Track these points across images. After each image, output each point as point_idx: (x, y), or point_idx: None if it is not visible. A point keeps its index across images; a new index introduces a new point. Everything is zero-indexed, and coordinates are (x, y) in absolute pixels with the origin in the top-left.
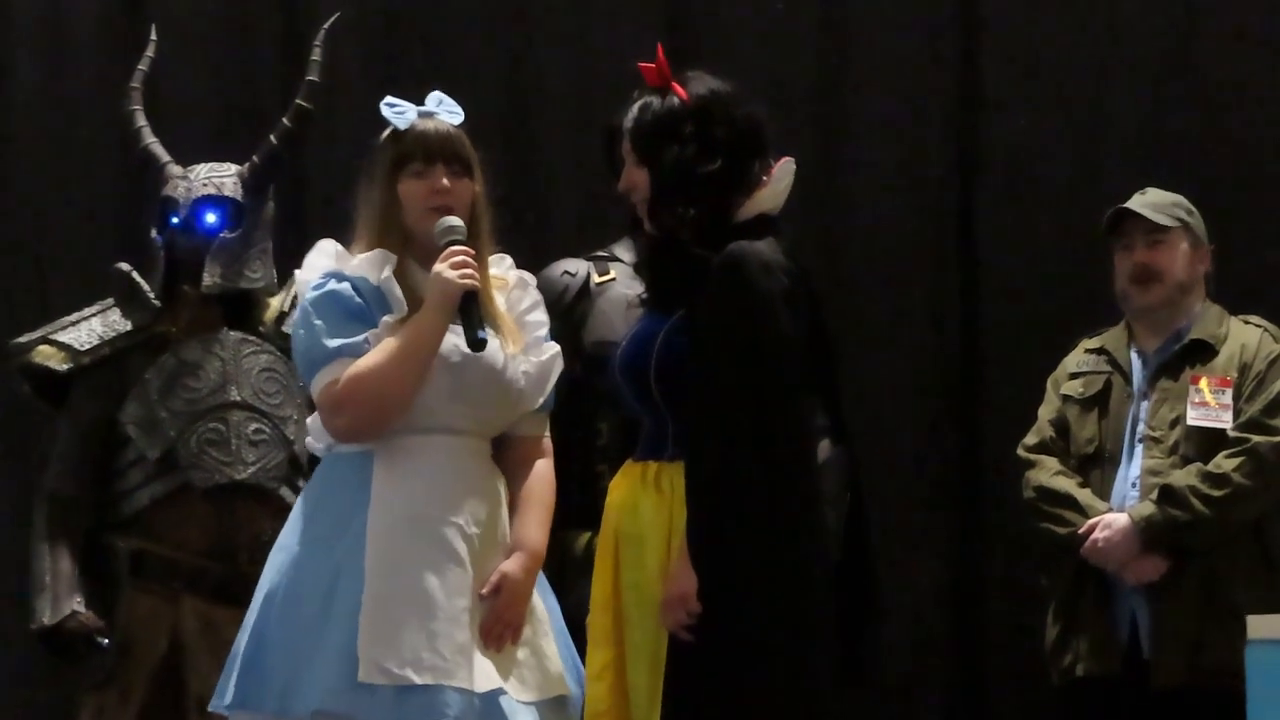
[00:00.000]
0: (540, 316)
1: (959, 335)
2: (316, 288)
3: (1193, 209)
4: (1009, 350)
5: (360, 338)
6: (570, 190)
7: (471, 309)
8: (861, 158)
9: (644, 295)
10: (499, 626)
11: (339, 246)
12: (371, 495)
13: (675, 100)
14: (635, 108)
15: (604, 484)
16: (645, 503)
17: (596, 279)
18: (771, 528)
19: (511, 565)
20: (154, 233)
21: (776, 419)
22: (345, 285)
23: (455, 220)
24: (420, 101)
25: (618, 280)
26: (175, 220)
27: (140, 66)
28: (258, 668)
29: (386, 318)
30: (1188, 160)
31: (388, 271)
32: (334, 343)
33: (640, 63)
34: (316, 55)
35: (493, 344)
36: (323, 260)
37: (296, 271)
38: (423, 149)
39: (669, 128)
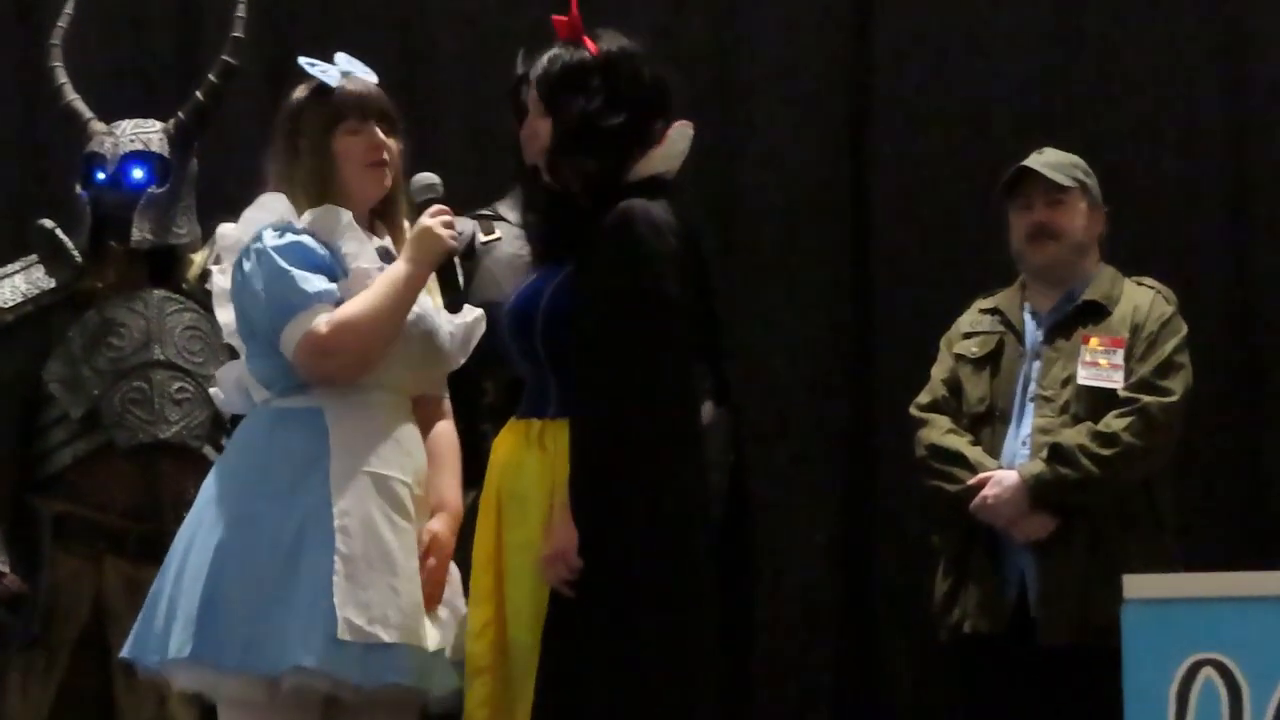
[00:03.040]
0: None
1: (849, 298)
2: (279, 235)
3: (1089, 170)
4: (899, 313)
5: (333, 286)
6: (463, 150)
7: (451, 269)
8: (754, 122)
9: (531, 250)
10: (430, 586)
11: (287, 202)
12: (330, 450)
13: (585, 53)
14: (545, 58)
15: (488, 443)
16: (529, 461)
17: (481, 238)
18: (653, 484)
19: (439, 525)
20: (78, 188)
21: (659, 377)
22: (307, 237)
23: (434, 178)
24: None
25: (503, 239)
26: (101, 176)
27: (60, 24)
28: (216, 622)
29: (361, 263)
30: (1077, 119)
31: (348, 219)
32: (312, 288)
33: (553, 15)
34: (241, 12)
35: (433, 305)
36: (270, 214)
37: (223, 226)
38: (358, 107)
39: (576, 79)
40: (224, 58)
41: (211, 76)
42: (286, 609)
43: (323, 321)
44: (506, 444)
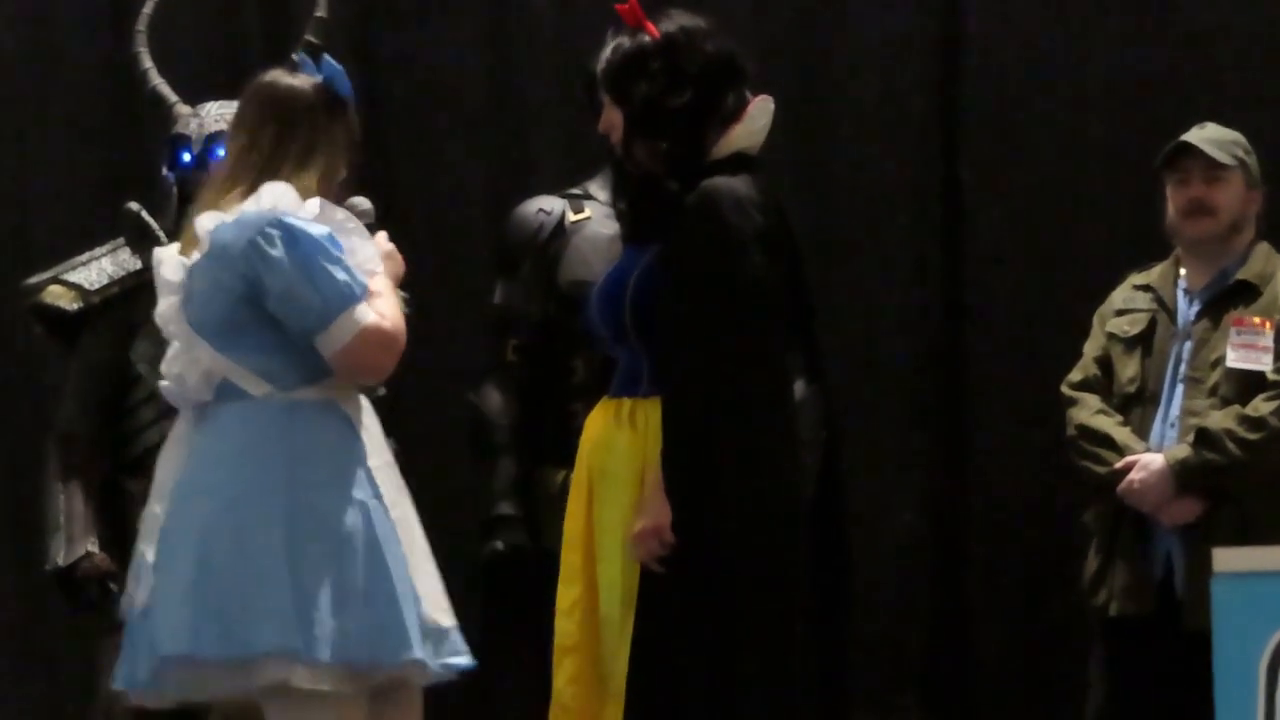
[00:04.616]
0: None
1: (940, 277)
2: (315, 224)
3: (1250, 149)
4: (991, 294)
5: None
6: (553, 127)
7: None
8: (846, 97)
9: (621, 231)
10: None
11: (295, 194)
12: (361, 443)
13: (645, 38)
14: (608, 48)
15: (578, 422)
16: (619, 439)
17: (571, 217)
18: (747, 460)
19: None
20: (164, 170)
21: (749, 355)
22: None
23: (369, 203)
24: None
25: (593, 218)
26: (187, 158)
27: (145, 9)
28: (307, 616)
29: (372, 264)
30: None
31: (344, 215)
32: (360, 282)
33: (617, 3)
34: None
35: None
36: (289, 203)
37: (203, 216)
38: (355, 137)
39: (637, 64)
40: (307, 37)
41: (294, 57)
42: (383, 601)
43: (379, 314)
44: (597, 423)
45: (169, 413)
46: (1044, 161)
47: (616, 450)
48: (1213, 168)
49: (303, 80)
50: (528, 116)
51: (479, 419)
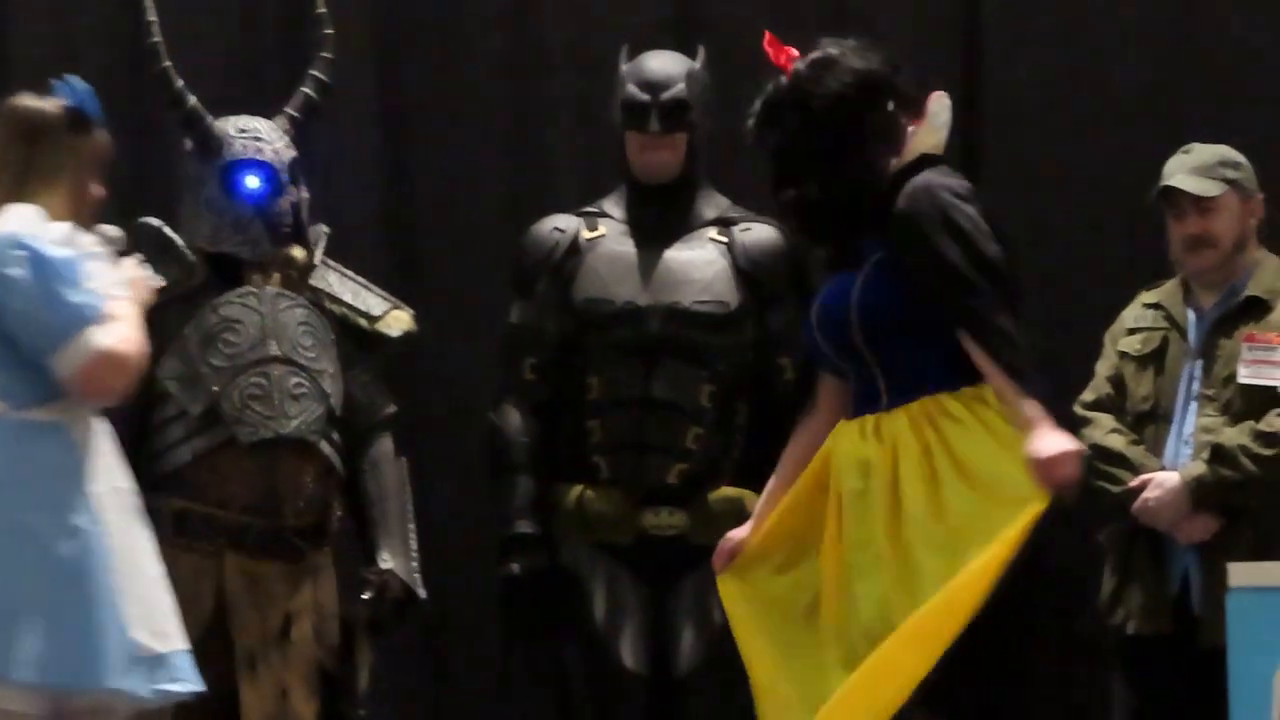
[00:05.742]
0: None
1: None
2: (58, 246)
3: (1239, 160)
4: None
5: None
6: (572, 143)
7: None
8: None
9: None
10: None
11: (41, 215)
12: (85, 467)
13: (779, 82)
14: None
15: (593, 439)
16: (870, 454)
17: (586, 235)
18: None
19: None
20: (224, 192)
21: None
22: (71, 252)
23: (119, 231)
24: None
25: (608, 236)
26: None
27: (150, 17)
28: (5, 638)
29: (113, 289)
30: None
31: (90, 238)
32: (97, 304)
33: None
34: (321, 7)
35: None
36: (33, 225)
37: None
38: (106, 154)
39: (768, 116)
40: (323, 54)
41: (317, 73)
42: (83, 628)
43: (115, 337)
44: (843, 443)
45: (200, 430)
46: (1054, 177)
47: (867, 466)
48: (1203, 200)
49: (50, 103)
50: (545, 135)
51: (498, 438)
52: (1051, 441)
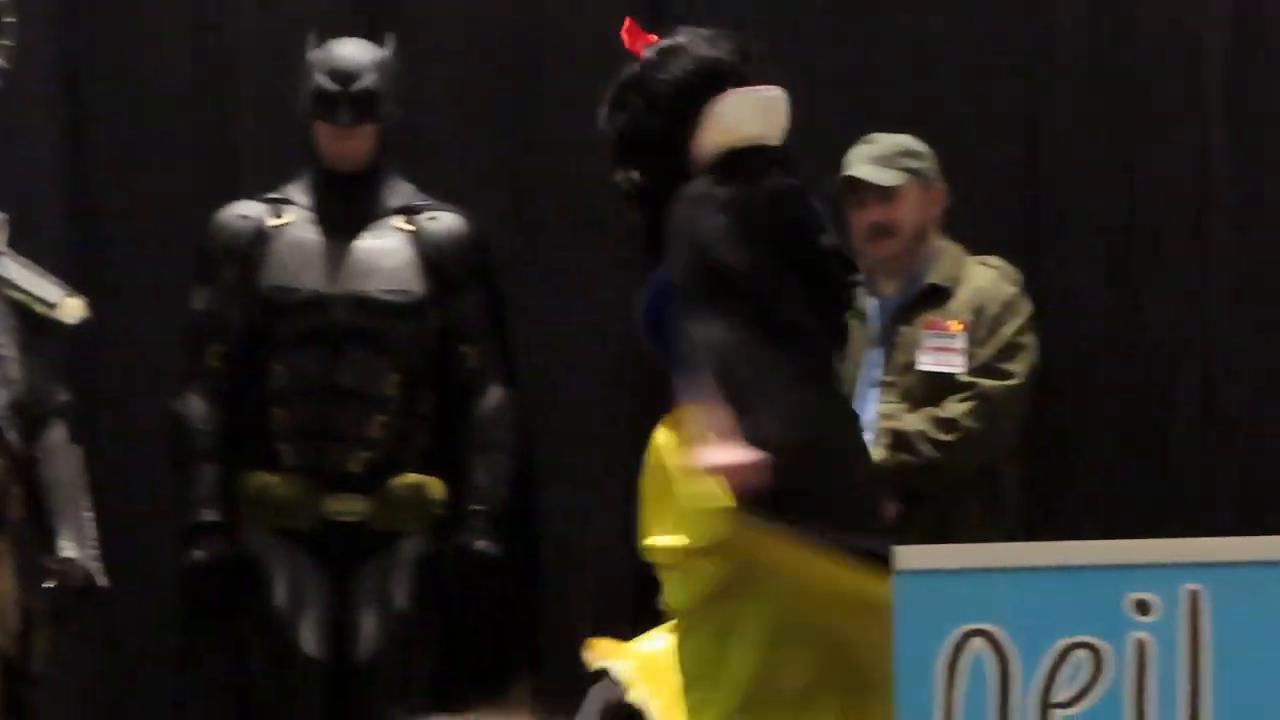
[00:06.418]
0: None
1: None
2: None
3: (921, 150)
4: None
5: None
6: (257, 130)
7: None
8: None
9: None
10: None
11: None
12: None
13: (630, 68)
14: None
15: (277, 426)
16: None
17: (271, 222)
18: None
19: None
20: None
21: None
22: None
23: None
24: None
25: (294, 224)
26: None
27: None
28: None
29: None
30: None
31: None
32: None
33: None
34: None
35: None
36: None
37: None
38: None
39: (616, 99)
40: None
41: None
42: None
43: None
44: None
45: None
46: None
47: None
48: (886, 188)
49: None
50: (232, 120)
51: (180, 426)
52: (723, 452)
